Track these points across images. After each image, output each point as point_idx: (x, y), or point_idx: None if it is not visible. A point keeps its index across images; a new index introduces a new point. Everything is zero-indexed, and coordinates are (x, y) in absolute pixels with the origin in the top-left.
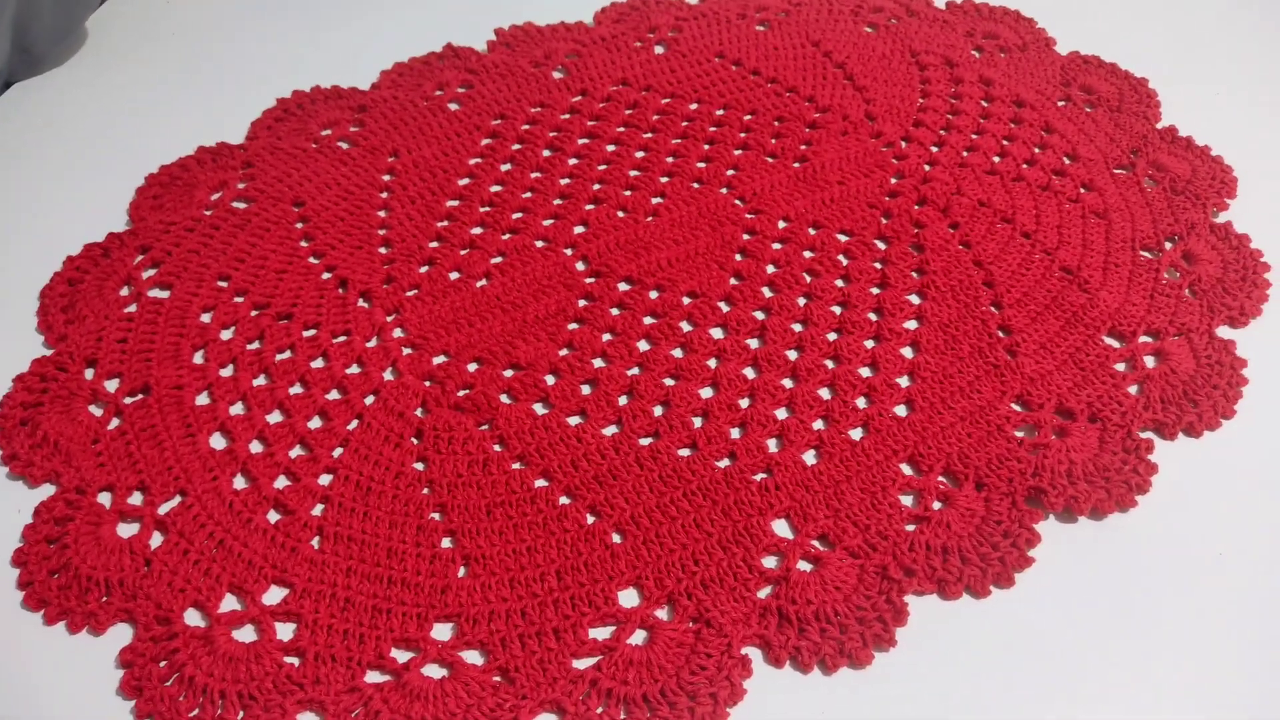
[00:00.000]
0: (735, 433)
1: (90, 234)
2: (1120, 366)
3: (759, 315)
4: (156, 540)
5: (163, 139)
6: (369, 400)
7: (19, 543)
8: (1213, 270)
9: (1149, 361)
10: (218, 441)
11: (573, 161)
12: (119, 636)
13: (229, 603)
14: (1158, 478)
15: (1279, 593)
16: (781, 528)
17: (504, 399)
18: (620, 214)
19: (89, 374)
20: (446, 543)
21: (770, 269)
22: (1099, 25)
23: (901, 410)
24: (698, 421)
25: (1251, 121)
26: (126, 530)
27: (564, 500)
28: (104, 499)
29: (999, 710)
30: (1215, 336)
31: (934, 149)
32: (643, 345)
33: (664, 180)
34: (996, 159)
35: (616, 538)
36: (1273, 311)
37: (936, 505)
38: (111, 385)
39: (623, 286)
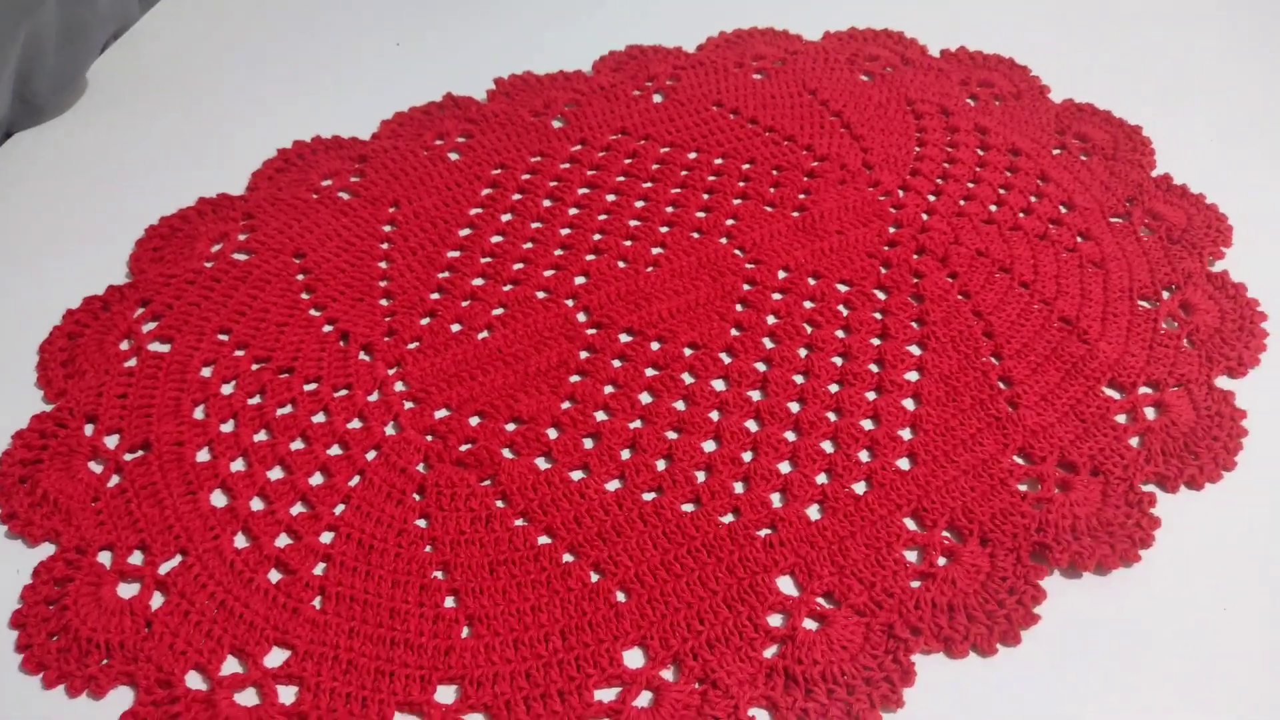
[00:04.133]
0: (739, 487)
1: (90, 286)
2: (1120, 418)
3: (760, 367)
4: (157, 601)
5: (163, 190)
6: (371, 455)
7: (18, 604)
8: (1210, 320)
9: (1149, 413)
10: (218, 499)
11: (573, 211)
12: (120, 700)
13: (230, 665)
14: (1160, 531)
15: None
16: (786, 585)
17: (506, 454)
18: (621, 264)
19: (89, 430)
20: (450, 602)
21: (771, 319)
22: (1092, 73)
23: (904, 463)
24: (701, 476)
25: (1245, 169)
26: (127, 590)
27: (567, 558)
28: (104, 558)
29: None
30: (1214, 387)
31: (931, 198)
32: (645, 398)
33: (664, 230)
34: (993, 208)
35: (621, 596)
36: (1271, 361)
37: (941, 561)
38: (112, 441)
39: (624, 338)
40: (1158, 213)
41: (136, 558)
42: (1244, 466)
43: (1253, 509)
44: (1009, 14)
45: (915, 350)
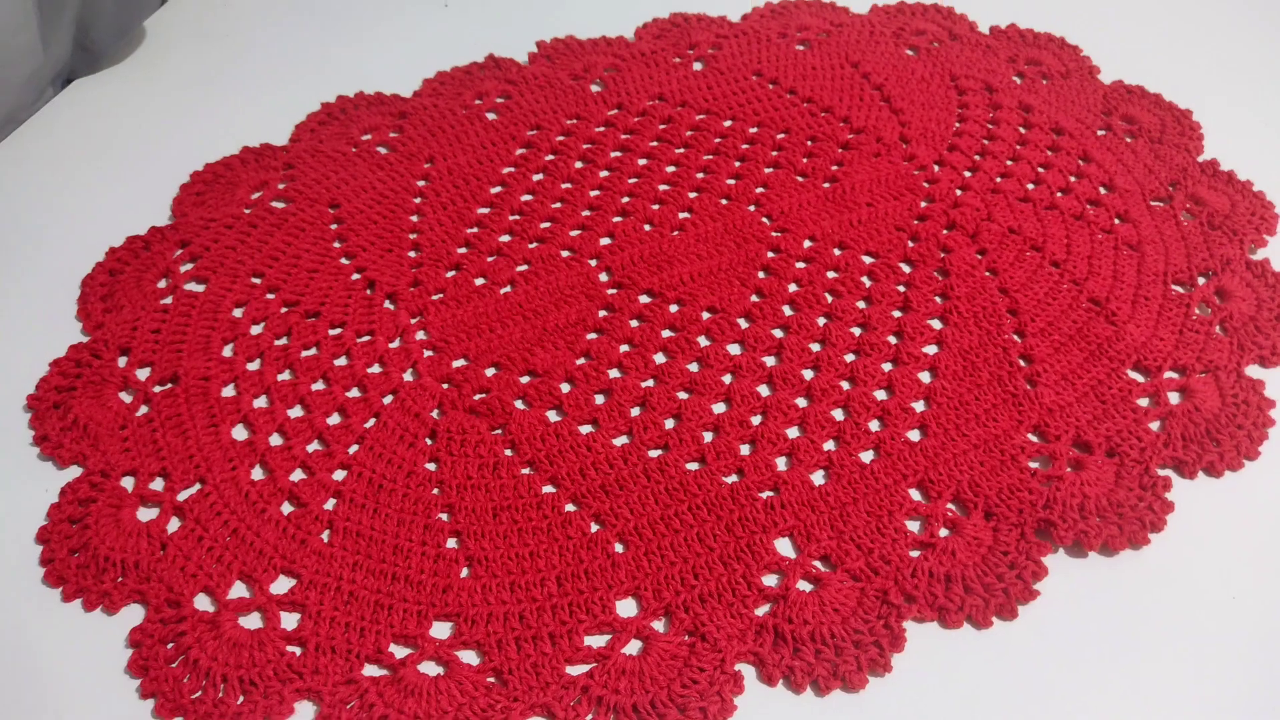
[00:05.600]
0: (745, 449)
1: (134, 227)
2: (1143, 402)
3: (778, 333)
4: (174, 525)
5: (210, 138)
6: (387, 400)
7: (44, 521)
8: (1246, 308)
9: (1173, 398)
10: (239, 433)
11: (604, 174)
12: (131, 616)
13: (238, 590)
14: (1174, 516)
15: None
16: (784, 546)
17: (519, 405)
18: (646, 227)
19: (122, 362)
20: (452, 543)
21: (792, 288)
22: (1145, 55)
23: (915, 435)
24: (708, 436)
25: None
26: (146, 514)
27: (570, 507)
28: (127, 483)
29: None
30: (1244, 375)
31: (967, 174)
32: (659, 358)
33: (692, 196)
34: (1030, 186)
35: (619, 547)
36: None
37: (943, 532)
38: (143, 374)
39: (644, 299)
40: (1200, 197)
41: (157, 484)
42: (1269, 457)
43: (1273, 500)
44: None
45: (936, 324)
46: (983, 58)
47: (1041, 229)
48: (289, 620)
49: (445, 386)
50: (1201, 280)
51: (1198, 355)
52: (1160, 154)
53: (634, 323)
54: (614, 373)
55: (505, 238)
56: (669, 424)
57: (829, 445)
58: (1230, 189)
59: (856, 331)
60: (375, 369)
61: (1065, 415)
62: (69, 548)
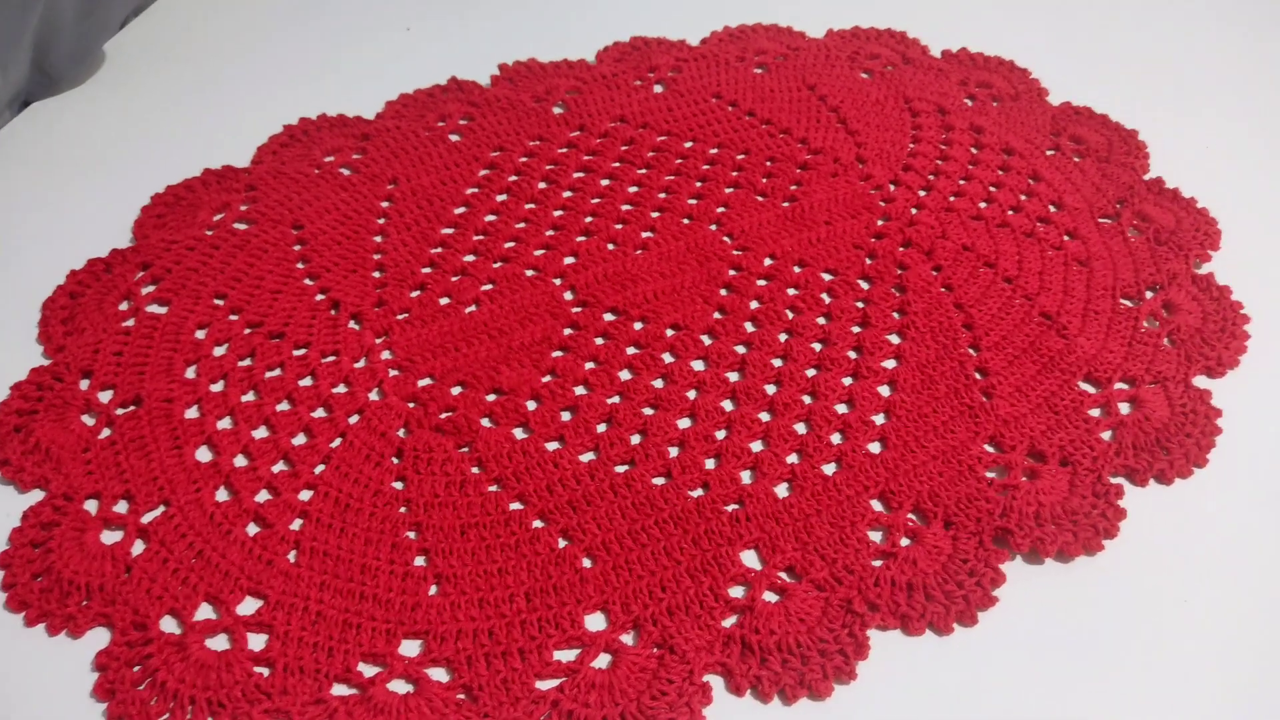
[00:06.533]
0: (710, 463)
1: (95, 249)
2: (1095, 412)
3: (740, 349)
4: (138, 548)
5: (171, 160)
6: (353, 419)
7: (5, 545)
8: (1192, 320)
9: (1124, 408)
10: (204, 454)
11: (567, 194)
12: (96, 640)
13: (204, 612)
14: (1126, 523)
15: (1241, 641)
16: (750, 558)
17: (485, 422)
18: (610, 246)
19: (84, 384)
20: (420, 561)
21: (754, 305)
22: (1092, 77)
23: (875, 447)
24: (674, 451)
25: (1239, 174)
26: (110, 537)
27: (537, 524)
28: (90, 506)
29: None
30: (1191, 385)
31: (921, 193)
32: (624, 375)
33: (655, 215)
34: (983, 205)
35: (587, 562)
36: (1250, 363)
37: (904, 542)
38: (105, 396)
39: (608, 317)
40: (1147, 214)
41: (121, 506)
42: (1216, 464)
43: (1222, 506)
44: (1013, 17)
45: (895, 339)
46: (935, 81)
47: (994, 246)
48: (256, 641)
49: (411, 405)
50: (1149, 294)
51: (1147, 366)
52: (1107, 173)
53: (599, 340)
54: (580, 390)
55: (470, 257)
56: (635, 439)
57: (792, 458)
58: (1175, 206)
59: (817, 347)
60: (341, 389)
61: (1020, 426)
62: (32, 572)
